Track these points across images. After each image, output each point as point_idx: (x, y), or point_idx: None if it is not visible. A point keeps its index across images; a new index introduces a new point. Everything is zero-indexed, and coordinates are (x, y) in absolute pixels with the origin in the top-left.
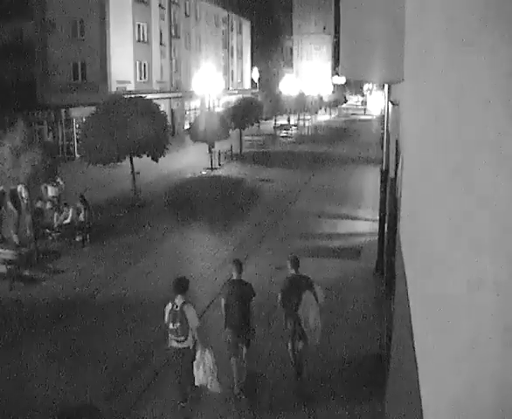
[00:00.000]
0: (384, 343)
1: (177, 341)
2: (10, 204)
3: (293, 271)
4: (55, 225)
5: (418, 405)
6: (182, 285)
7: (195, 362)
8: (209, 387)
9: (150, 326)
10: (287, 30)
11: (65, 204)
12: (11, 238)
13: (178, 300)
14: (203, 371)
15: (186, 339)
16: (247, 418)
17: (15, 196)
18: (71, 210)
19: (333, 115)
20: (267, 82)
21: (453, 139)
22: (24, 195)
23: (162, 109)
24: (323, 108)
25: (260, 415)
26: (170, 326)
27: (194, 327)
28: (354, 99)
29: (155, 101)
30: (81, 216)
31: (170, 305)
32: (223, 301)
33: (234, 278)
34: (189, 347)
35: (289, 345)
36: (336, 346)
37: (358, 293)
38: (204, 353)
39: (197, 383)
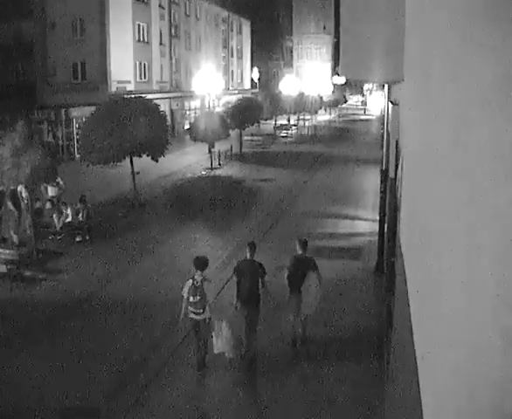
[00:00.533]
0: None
1: (196, 313)
2: (10, 204)
3: (300, 252)
4: (58, 227)
5: (418, 405)
6: (201, 263)
7: (213, 332)
8: (226, 354)
9: (151, 325)
10: (287, 30)
11: (64, 203)
12: (11, 238)
13: (198, 276)
14: (221, 340)
15: (204, 311)
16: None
17: (15, 196)
18: (69, 209)
19: (333, 115)
20: (267, 82)
21: (453, 139)
22: (24, 195)
23: (162, 109)
24: (323, 108)
25: (268, 372)
26: (191, 299)
27: (211, 301)
28: (354, 99)
29: (155, 101)
30: (81, 216)
31: (190, 281)
32: (234, 278)
33: (247, 257)
34: (205, 319)
35: (291, 317)
36: (336, 345)
37: (358, 293)
38: (222, 324)
39: (215, 351)
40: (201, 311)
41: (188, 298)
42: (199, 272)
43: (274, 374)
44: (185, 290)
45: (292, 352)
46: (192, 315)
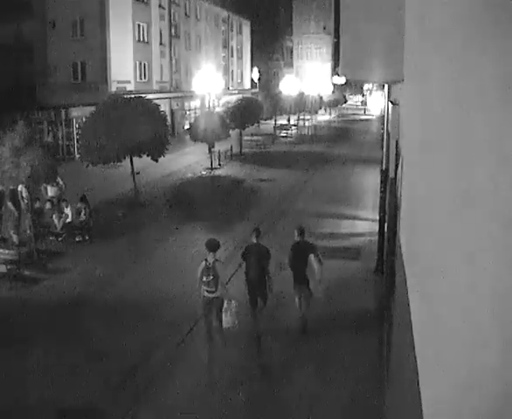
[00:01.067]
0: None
1: (208, 292)
2: (10, 204)
3: (298, 239)
4: (58, 227)
5: (418, 405)
6: (213, 245)
7: (224, 309)
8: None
9: (151, 325)
10: (287, 30)
11: (65, 200)
12: (11, 238)
13: (210, 258)
14: (230, 316)
15: (216, 290)
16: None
17: (15, 196)
18: (69, 209)
19: (333, 115)
20: (267, 82)
21: (453, 139)
22: (24, 195)
23: (162, 109)
24: (323, 108)
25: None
26: (204, 278)
27: (223, 281)
28: (354, 99)
29: (155, 101)
30: (81, 216)
31: (204, 262)
32: (242, 261)
33: (254, 242)
34: (218, 297)
35: (296, 300)
36: (335, 344)
37: (358, 293)
38: (231, 302)
39: (225, 325)
40: (213, 289)
41: (201, 278)
42: (211, 254)
43: (279, 353)
44: (199, 270)
45: (296, 331)
46: (206, 293)
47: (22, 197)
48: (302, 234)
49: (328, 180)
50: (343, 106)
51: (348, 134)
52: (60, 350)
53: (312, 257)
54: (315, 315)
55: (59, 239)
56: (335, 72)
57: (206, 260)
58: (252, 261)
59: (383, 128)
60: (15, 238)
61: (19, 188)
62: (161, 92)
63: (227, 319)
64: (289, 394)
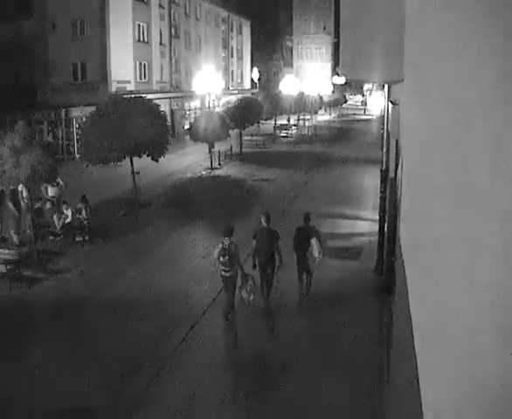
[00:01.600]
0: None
1: (224, 271)
2: (10, 204)
3: (304, 224)
4: (58, 228)
5: (418, 405)
6: (228, 230)
7: (238, 286)
8: (249, 302)
9: (151, 325)
10: (287, 30)
11: (65, 202)
12: (11, 238)
13: (226, 241)
14: (245, 291)
15: (231, 269)
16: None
17: (15, 196)
18: (70, 210)
19: (333, 115)
20: (267, 82)
21: (453, 139)
22: (24, 195)
23: (162, 109)
24: (323, 108)
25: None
26: (220, 259)
27: (238, 261)
28: (354, 99)
29: (155, 101)
30: (82, 216)
31: (220, 245)
32: (254, 243)
33: (264, 226)
34: (232, 276)
35: (299, 276)
36: (335, 342)
37: (358, 293)
38: (247, 278)
39: (245, 298)
40: (228, 268)
41: (218, 259)
42: (227, 238)
43: (286, 317)
44: (216, 252)
45: (299, 300)
46: (222, 272)
47: (22, 197)
48: (307, 219)
49: (328, 180)
50: (343, 106)
51: (348, 134)
52: (60, 350)
53: (314, 239)
54: (315, 316)
55: (58, 239)
56: (335, 72)
57: (223, 243)
58: (262, 243)
59: (383, 128)
60: (15, 238)
61: (19, 188)
62: (161, 92)
63: (244, 294)
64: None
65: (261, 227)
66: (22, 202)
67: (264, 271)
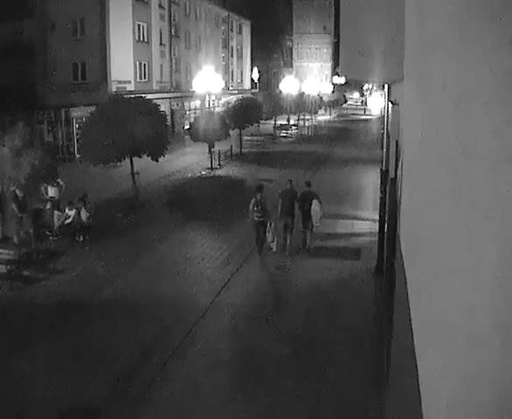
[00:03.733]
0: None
1: (258, 217)
2: (13, 205)
3: (306, 189)
4: (55, 227)
5: (418, 405)
6: (260, 187)
7: (267, 230)
8: (272, 245)
9: (151, 325)
10: (287, 30)
11: (70, 202)
12: (12, 239)
13: (258, 196)
14: (271, 235)
15: (262, 216)
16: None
17: (16, 197)
18: (73, 211)
19: (333, 115)
20: (267, 82)
21: (453, 139)
22: (19, 196)
23: (162, 109)
24: (323, 108)
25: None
26: (255, 209)
27: (266, 210)
28: (354, 99)
29: (155, 101)
30: (82, 216)
31: (254, 199)
32: (280, 201)
33: (287, 187)
34: (263, 221)
35: (301, 229)
36: (336, 343)
37: (358, 293)
38: (271, 225)
39: (269, 240)
40: (261, 215)
41: (253, 209)
42: (259, 194)
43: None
44: (251, 203)
45: (302, 249)
46: (256, 218)
47: (17, 197)
48: (309, 185)
49: (328, 180)
50: (343, 106)
51: (348, 134)
52: (60, 350)
53: (315, 201)
54: (315, 317)
55: (54, 238)
56: (335, 72)
57: (256, 197)
58: (286, 200)
59: (382, 128)
60: (15, 239)
61: (14, 189)
62: (161, 92)
63: (269, 237)
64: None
65: (286, 188)
66: (17, 203)
67: (286, 220)
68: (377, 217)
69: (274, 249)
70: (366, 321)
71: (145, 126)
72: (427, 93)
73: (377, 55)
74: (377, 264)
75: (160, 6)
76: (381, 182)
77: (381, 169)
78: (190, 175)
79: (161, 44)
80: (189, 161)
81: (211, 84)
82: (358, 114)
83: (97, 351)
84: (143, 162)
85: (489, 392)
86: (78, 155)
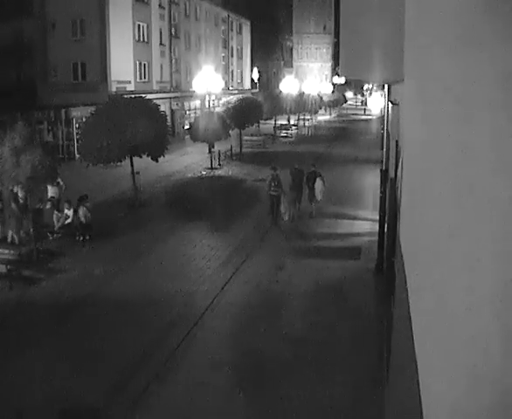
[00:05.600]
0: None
1: (274, 191)
2: (14, 205)
3: (312, 169)
4: (56, 227)
5: (417, 405)
6: (275, 167)
7: (281, 201)
8: (285, 215)
9: (150, 324)
10: (287, 30)
11: (68, 201)
12: (13, 238)
13: (274, 172)
14: (283, 207)
15: (277, 190)
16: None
17: (16, 197)
18: (71, 211)
19: (333, 115)
20: (267, 82)
21: (453, 138)
22: (20, 195)
23: (162, 109)
24: (323, 108)
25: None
26: (272, 184)
27: (281, 185)
28: (354, 99)
29: (155, 101)
30: (80, 215)
31: (271, 175)
32: (291, 178)
33: (297, 167)
34: (279, 195)
35: (307, 200)
36: (336, 343)
37: (358, 293)
38: (284, 197)
39: (282, 211)
40: (276, 189)
41: (270, 184)
42: (275, 172)
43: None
44: (268, 180)
45: (309, 215)
46: (272, 192)
47: (18, 197)
48: (314, 166)
49: (328, 180)
50: (343, 106)
51: (348, 134)
52: (60, 350)
53: (318, 178)
54: (315, 316)
55: (53, 237)
56: (335, 72)
57: (272, 174)
58: (296, 177)
59: (382, 128)
60: (16, 239)
61: (15, 189)
62: (161, 92)
63: (282, 208)
64: None
65: (295, 168)
66: (18, 203)
67: (296, 194)
68: (377, 217)
69: (286, 218)
70: (366, 321)
71: (145, 126)
72: (427, 93)
73: (377, 55)
74: (377, 264)
75: (160, 6)
76: (381, 182)
77: (381, 169)
78: (190, 174)
79: (161, 44)
80: (189, 161)
81: (210, 84)
82: (358, 114)
83: (97, 351)
84: (143, 162)
85: (489, 392)
86: (78, 155)
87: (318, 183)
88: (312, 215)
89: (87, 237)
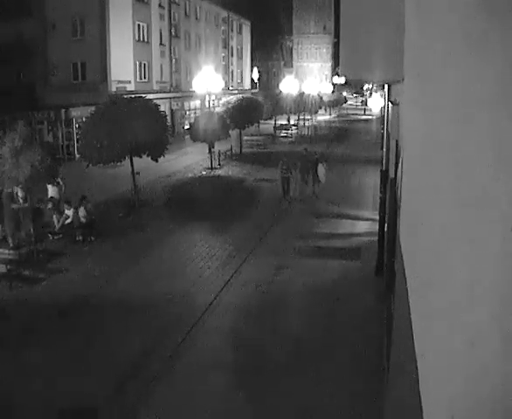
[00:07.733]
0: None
1: (285, 174)
2: (14, 205)
3: (315, 156)
4: (57, 227)
5: (418, 405)
6: (287, 154)
7: (290, 182)
8: (295, 192)
9: (151, 325)
10: (287, 30)
11: (68, 202)
12: (13, 238)
13: (285, 159)
14: (294, 183)
15: (288, 173)
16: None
17: (16, 196)
18: (71, 211)
19: (333, 115)
20: (267, 82)
21: (453, 139)
22: (20, 196)
23: (162, 109)
24: (323, 108)
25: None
26: (283, 167)
27: (291, 168)
28: (354, 99)
29: (155, 101)
30: (80, 215)
31: (282, 161)
32: (299, 163)
33: (304, 154)
34: (289, 177)
35: (310, 183)
36: (336, 343)
37: (358, 294)
38: (296, 174)
39: (291, 190)
40: (287, 172)
41: (281, 167)
42: (285, 158)
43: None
44: (280, 164)
45: (311, 196)
46: (284, 174)
47: (18, 197)
48: (316, 154)
49: (328, 180)
50: (343, 106)
51: (348, 134)
52: (60, 350)
53: (320, 164)
54: (315, 317)
55: (55, 238)
56: (335, 72)
57: (283, 160)
58: (304, 161)
59: (382, 128)
60: (10, 240)
61: (15, 190)
62: (161, 92)
63: (292, 185)
64: None
65: (302, 154)
66: (18, 203)
67: (305, 174)
68: (377, 217)
69: (296, 194)
70: (366, 321)
71: (145, 126)
72: (427, 93)
73: (377, 55)
74: (377, 264)
75: (160, 6)
76: (381, 182)
77: (381, 169)
78: (190, 174)
79: (161, 44)
80: (189, 160)
81: (210, 84)
82: (358, 114)
83: (97, 350)
84: (143, 162)
85: (489, 392)
86: (78, 155)
87: (320, 168)
88: (316, 195)
89: (88, 238)
